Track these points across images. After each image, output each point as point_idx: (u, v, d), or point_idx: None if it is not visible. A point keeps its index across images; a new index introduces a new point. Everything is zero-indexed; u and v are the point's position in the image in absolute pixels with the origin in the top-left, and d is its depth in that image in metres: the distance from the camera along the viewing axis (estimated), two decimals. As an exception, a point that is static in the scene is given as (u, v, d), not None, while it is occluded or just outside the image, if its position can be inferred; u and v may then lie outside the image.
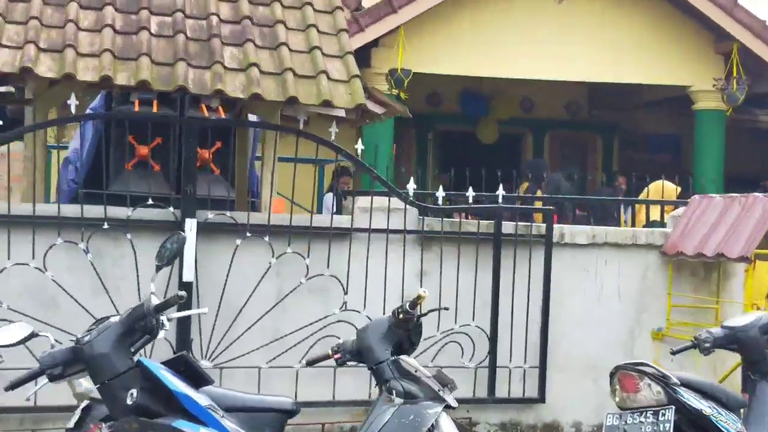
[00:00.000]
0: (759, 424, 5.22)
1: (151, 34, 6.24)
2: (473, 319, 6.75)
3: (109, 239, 6.13)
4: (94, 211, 6.02)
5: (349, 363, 4.79)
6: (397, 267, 6.59)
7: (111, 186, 6.48)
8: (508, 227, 6.89)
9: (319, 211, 9.98)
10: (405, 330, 4.68)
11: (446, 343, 6.73)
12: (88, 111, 7.79)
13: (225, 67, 6.14)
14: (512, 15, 11.73)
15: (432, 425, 4.46)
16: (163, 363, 3.70)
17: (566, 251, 7.11)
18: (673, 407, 4.52)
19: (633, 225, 9.56)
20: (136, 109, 6.91)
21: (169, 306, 3.64)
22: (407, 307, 4.60)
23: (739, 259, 6.53)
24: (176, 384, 3.61)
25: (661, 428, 4.47)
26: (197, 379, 3.78)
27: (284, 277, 6.40)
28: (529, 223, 6.99)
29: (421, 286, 6.64)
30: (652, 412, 4.54)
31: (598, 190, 13.25)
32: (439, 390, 4.58)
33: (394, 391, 4.50)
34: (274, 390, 6.28)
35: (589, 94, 15.12)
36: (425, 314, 4.80)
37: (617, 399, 4.71)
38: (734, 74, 11.61)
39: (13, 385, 3.70)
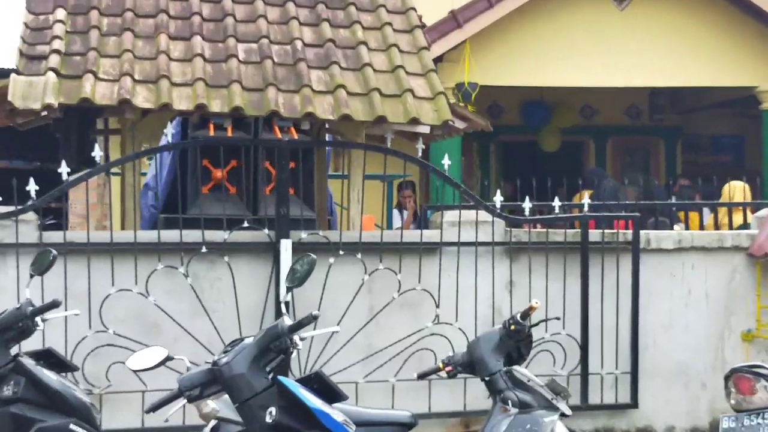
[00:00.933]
0: None
1: (240, 61, 6.39)
2: (563, 328, 6.74)
3: (206, 262, 6.26)
4: (192, 235, 6.15)
5: (460, 375, 4.88)
6: (486, 279, 6.64)
7: (189, 210, 6.56)
8: (594, 235, 6.92)
9: (389, 227, 10.06)
10: (516, 341, 4.74)
11: (538, 352, 6.75)
12: (164, 137, 7.95)
13: (313, 90, 6.27)
14: (573, 24, 11.73)
15: (549, 432, 4.54)
16: (297, 380, 3.81)
17: (653, 257, 7.10)
18: (792, 410, 4.55)
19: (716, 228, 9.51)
20: (211, 133, 7.01)
21: (302, 326, 3.75)
22: (518, 318, 4.66)
23: (831, 259, 6.51)
24: (313, 401, 3.70)
25: (781, 430, 4.50)
26: (331, 395, 3.88)
27: (375, 294, 6.48)
28: (615, 230, 7.02)
29: (510, 300, 6.73)
30: (768, 413, 4.57)
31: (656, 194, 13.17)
32: (552, 399, 4.63)
33: (509, 401, 4.56)
34: (370, 404, 6.39)
35: (650, 99, 15.05)
36: (535, 325, 4.85)
37: (733, 402, 4.73)
38: (804, 74, 11.58)
39: (154, 407, 3.82)
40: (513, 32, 11.50)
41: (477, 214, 6.63)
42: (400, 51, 6.80)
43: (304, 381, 3.83)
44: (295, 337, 3.79)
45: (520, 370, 4.67)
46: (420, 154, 6.52)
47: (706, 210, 10.19)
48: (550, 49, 11.70)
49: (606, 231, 6.95)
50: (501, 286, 6.73)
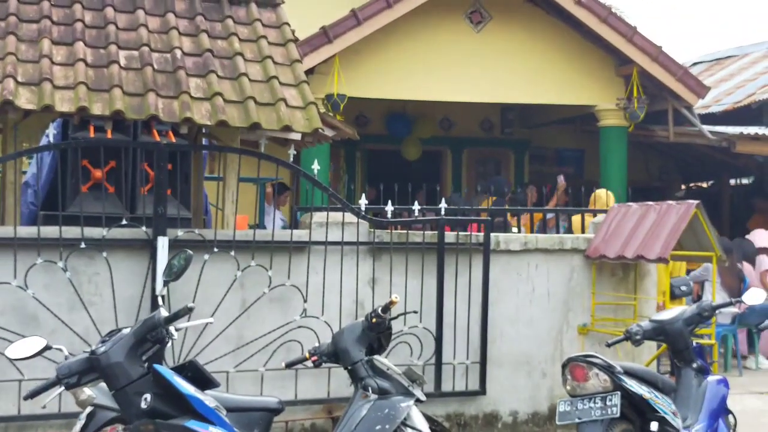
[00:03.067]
0: (684, 405, 5.51)
1: (121, 67, 6.27)
2: (420, 321, 6.89)
3: (85, 258, 6.13)
4: (71, 231, 6.02)
5: (325, 364, 4.93)
6: (351, 276, 6.71)
7: (68, 208, 6.38)
8: (449, 237, 7.06)
9: (262, 225, 10.02)
10: (377, 333, 4.84)
11: (397, 344, 6.85)
12: (44, 138, 7.73)
13: (191, 97, 6.21)
14: (433, 44, 11.93)
15: (405, 417, 4.62)
16: (172, 369, 3.79)
17: (502, 257, 7.30)
18: (619, 393, 4.75)
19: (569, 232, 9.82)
20: (92, 134, 6.84)
21: (178, 317, 3.74)
22: (380, 311, 4.76)
23: (657, 260, 6.81)
24: (187, 388, 3.70)
25: (609, 411, 4.70)
26: (204, 382, 3.87)
27: (247, 289, 6.47)
28: (468, 233, 7.18)
29: (372, 296, 6.80)
30: (600, 397, 4.76)
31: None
32: (408, 386, 4.75)
33: (369, 388, 4.65)
34: (240, 392, 6.37)
35: (501, 114, 15.41)
36: (395, 318, 4.97)
37: (568, 387, 4.93)
38: (635, 94, 12.00)
39: (32, 394, 3.74)
40: (379, 49, 11.61)
41: (343, 215, 6.70)
42: (275, 63, 6.80)
43: (179, 369, 3.82)
44: (171, 328, 3.78)
45: (381, 360, 4.77)
46: (291, 159, 6.53)
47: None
48: (412, 65, 11.86)
49: (460, 233, 7.10)
50: (364, 282, 6.81)
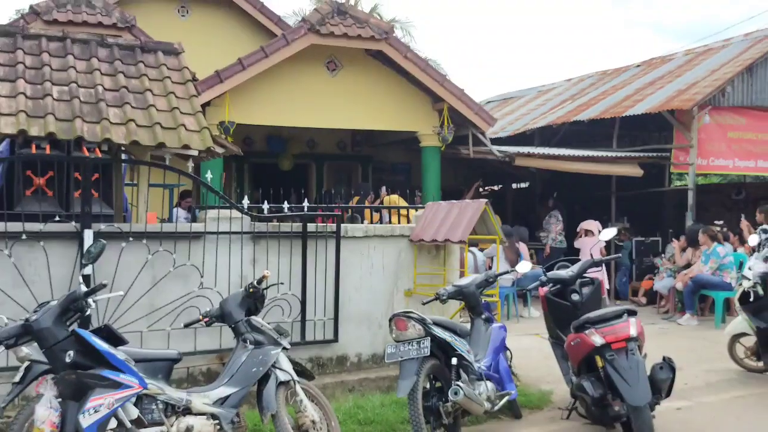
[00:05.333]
0: (476, 345, 5.67)
1: (54, 99, 5.95)
2: (290, 290, 6.83)
3: (26, 246, 5.78)
4: (15, 226, 5.67)
5: (215, 324, 4.82)
6: (236, 257, 6.59)
7: (14, 208, 6.10)
8: (311, 227, 7.03)
9: (170, 221, 9.72)
10: (254, 299, 4.77)
11: (272, 307, 6.78)
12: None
13: (110, 122, 5.95)
14: (301, 83, 11.84)
15: (275, 361, 4.58)
16: (91, 331, 3.62)
17: (350, 242, 7.30)
18: (429, 337, 4.84)
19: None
20: (33, 151, 6.50)
21: (94, 291, 3.58)
22: (255, 283, 4.70)
23: (459, 242, 6.98)
24: (102, 345, 3.55)
25: (422, 351, 4.77)
26: (116, 340, 3.71)
27: (157, 268, 6.26)
28: (324, 224, 7.16)
29: (253, 272, 6.69)
30: (416, 341, 4.83)
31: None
32: (277, 338, 4.70)
33: (247, 341, 4.58)
34: (152, 347, 6.14)
35: (352, 137, 15.46)
36: (267, 287, 4.90)
37: (394, 336, 4.98)
38: (446, 123, 12.26)
39: None
40: (260, 87, 11.43)
41: (231, 212, 6.56)
42: (177, 97, 6.60)
43: (96, 331, 3.66)
44: (89, 300, 3.60)
45: (256, 319, 4.71)
46: (191, 170, 6.33)
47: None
48: (284, 100, 11.75)
49: (319, 224, 7.07)
50: (247, 262, 6.69)
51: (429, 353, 4.73)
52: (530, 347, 8.69)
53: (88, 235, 5.81)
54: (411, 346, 4.78)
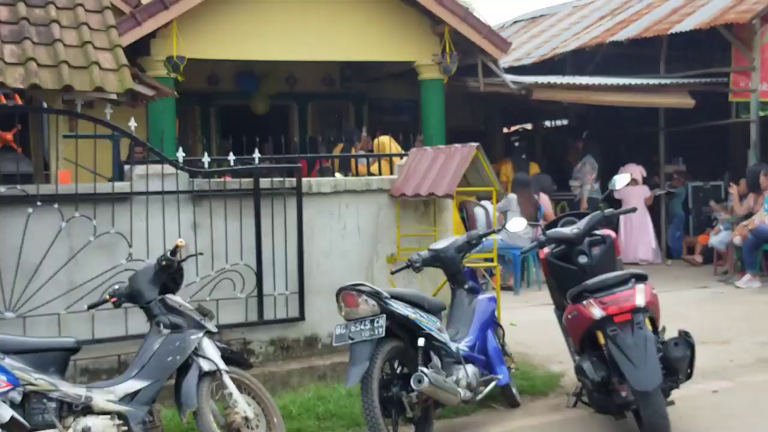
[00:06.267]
0: (457, 321, 5.59)
1: (-67, 36, 5.84)
2: (241, 259, 6.78)
3: None
4: None
5: (125, 304, 4.76)
6: (173, 222, 6.52)
7: None
8: (265, 183, 6.92)
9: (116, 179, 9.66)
10: (169, 273, 4.69)
11: (221, 280, 6.74)
12: None
13: (5, 62, 5.84)
14: (270, 7, 11.58)
15: (196, 347, 4.51)
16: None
17: (315, 199, 7.22)
18: (385, 315, 4.74)
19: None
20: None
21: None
22: (168, 255, 4.62)
23: (445, 196, 6.84)
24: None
25: (376, 332, 4.69)
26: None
27: (75, 237, 6.21)
28: (281, 179, 7.05)
29: (195, 238, 6.63)
30: (369, 320, 4.75)
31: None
32: (200, 320, 4.63)
33: (161, 324, 4.52)
34: (76, 332, 6.13)
35: (341, 70, 15.23)
36: (184, 260, 4.83)
37: (343, 313, 4.90)
38: (447, 51, 11.99)
39: None
40: (220, 12, 11.19)
41: (162, 167, 6.47)
42: (90, 29, 6.47)
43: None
44: None
45: (172, 298, 4.63)
46: (108, 117, 6.22)
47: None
48: (251, 28, 11.49)
49: (274, 179, 6.97)
50: (187, 227, 6.63)
51: (383, 334, 4.64)
52: (545, 320, 8.56)
53: (-19, 201, 5.76)
54: (363, 326, 4.69)
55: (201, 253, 5.36)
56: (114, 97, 6.27)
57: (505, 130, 19.73)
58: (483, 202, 11.61)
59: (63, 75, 5.91)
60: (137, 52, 10.77)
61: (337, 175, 11.32)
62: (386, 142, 10.37)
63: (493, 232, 6.02)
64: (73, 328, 6.12)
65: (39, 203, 6.00)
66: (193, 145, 14.11)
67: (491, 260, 7.24)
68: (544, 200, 10.89)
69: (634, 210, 6.41)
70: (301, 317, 7.05)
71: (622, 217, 14.05)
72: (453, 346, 5.15)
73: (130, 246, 6.33)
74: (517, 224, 6.07)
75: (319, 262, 7.23)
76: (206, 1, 10.74)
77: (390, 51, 12.32)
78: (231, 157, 6.86)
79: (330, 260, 7.29)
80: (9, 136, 7.16)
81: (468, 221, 11.09)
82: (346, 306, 4.84)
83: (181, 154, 6.60)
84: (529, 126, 19.25)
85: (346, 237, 7.36)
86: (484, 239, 5.87)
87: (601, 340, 4.96)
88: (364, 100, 15.82)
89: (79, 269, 6.20)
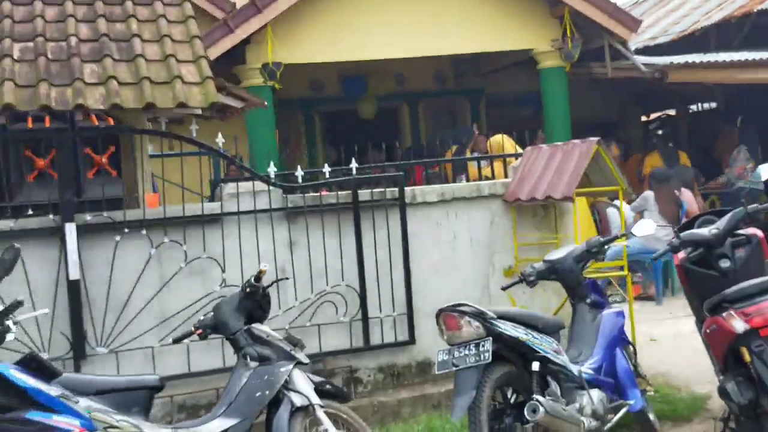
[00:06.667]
0: (579, 341, 5.41)
1: (14, 60, 6.11)
2: (342, 279, 6.81)
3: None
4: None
5: (211, 336, 4.83)
6: (267, 242, 6.61)
7: (17, 198, 6.35)
8: (364, 195, 6.92)
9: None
10: (254, 301, 4.73)
11: (321, 303, 6.78)
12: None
13: (85, 83, 6.04)
14: (367, 3, 11.61)
15: (286, 380, 4.52)
16: (15, 363, 3.67)
17: (420, 209, 7.18)
18: (491, 338, 4.63)
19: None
20: (30, 125, 6.77)
21: (9, 312, 3.61)
22: (252, 281, 4.66)
23: (563, 199, 6.67)
24: (25, 380, 3.59)
25: (482, 357, 4.58)
26: (49, 373, 3.76)
27: (166, 264, 6.38)
28: (382, 189, 7.04)
29: (291, 258, 6.69)
30: (474, 344, 4.64)
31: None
32: (290, 350, 4.65)
33: (248, 356, 4.56)
34: (171, 365, 6.30)
35: (453, 65, 15.16)
36: (269, 285, 4.86)
37: (445, 337, 4.81)
38: (568, 34, 11.72)
39: None
40: (315, 14, 11.31)
41: (253, 184, 6.57)
42: (173, 41, 6.62)
43: (21, 362, 3.70)
44: (8, 322, 3.65)
45: (259, 327, 4.67)
46: (194, 134, 6.38)
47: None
48: (351, 27, 11.56)
49: (374, 190, 6.96)
50: (282, 246, 6.71)
51: (490, 359, 4.52)
52: (691, 333, 8.21)
53: (70, 230, 5.98)
54: (468, 351, 4.59)
55: (287, 278, 5.40)
56: (198, 111, 6.40)
57: (644, 118, 19.16)
58: (616, 202, 11.28)
59: (145, 92, 6.07)
60: (233, 60, 11.03)
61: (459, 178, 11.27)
62: (500, 142, 10.21)
63: (616, 237, 5.79)
64: (168, 361, 6.29)
65: (126, 230, 6.19)
66: (297, 157, 14.36)
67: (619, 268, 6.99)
68: (687, 196, 10.44)
69: (776, 206, 6.04)
70: (411, 341, 7.01)
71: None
72: (574, 369, 4.97)
73: (224, 271, 6.45)
74: (645, 227, 5.82)
75: (427, 279, 7.18)
76: (301, 2, 10.87)
77: (504, 40, 12.16)
78: (326, 168, 6.89)
79: (440, 276, 7.22)
80: (104, 158, 7.41)
81: (601, 224, 10.80)
82: (447, 329, 4.75)
83: (272, 169, 6.68)
84: (672, 112, 18.59)
85: (457, 249, 7.28)
86: (606, 246, 5.66)
87: (747, 356, 4.68)
88: (481, 95, 15.69)
89: (171, 298, 6.37)
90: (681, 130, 17.04)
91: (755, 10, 13.51)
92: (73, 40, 6.36)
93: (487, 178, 9.15)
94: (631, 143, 15.83)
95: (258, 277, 4.66)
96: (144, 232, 6.24)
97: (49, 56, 6.21)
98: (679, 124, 17.36)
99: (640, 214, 10.50)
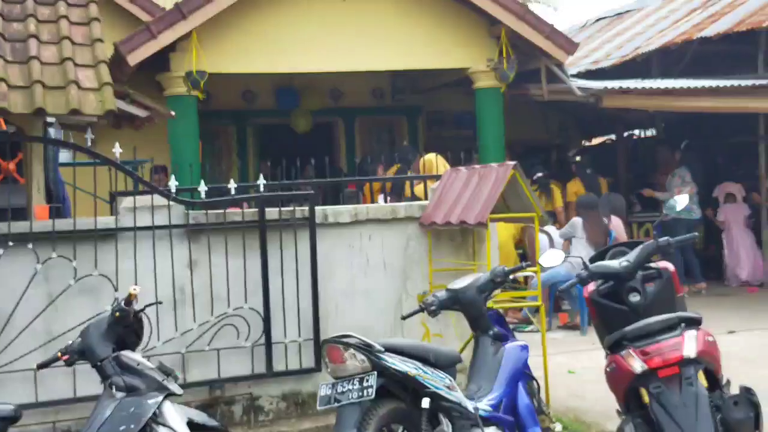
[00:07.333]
0: (478, 375, 5.23)
1: None
2: (246, 302, 6.58)
3: None
4: None
5: (78, 362, 4.55)
6: (166, 260, 6.34)
7: None
8: (271, 213, 6.69)
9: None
10: (125, 326, 4.47)
11: (222, 327, 6.52)
12: None
13: (-29, 85, 5.75)
14: (301, 15, 11.31)
15: (155, 413, 4.26)
16: None
17: (332, 230, 6.98)
18: (376, 372, 4.42)
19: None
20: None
21: None
22: (122, 304, 4.40)
23: (477, 225, 6.49)
24: None
25: (365, 393, 4.37)
26: None
27: (54, 281, 6.08)
28: (292, 208, 6.80)
29: (191, 279, 6.43)
30: (358, 378, 4.44)
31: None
32: (163, 380, 4.38)
33: (113, 386, 4.29)
34: (57, 389, 5.99)
35: (391, 81, 14.97)
36: (142, 310, 4.60)
37: (329, 370, 4.59)
38: (504, 55, 11.58)
39: None
40: (248, 21, 11.01)
41: (152, 198, 6.31)
42: (74, 43, 6.37)
43: None
44: None
45: (128, 355, 4.40)
46: (89, 143, 6.09)
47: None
48: (281, 37, 11.25)
49: (283, 209, 6.73)
50: (182, 266, 6.45)
51: (373, 395, 4.31)
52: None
53: (-53, 241, 5.67)
54: (351, 386, 4.37)
55: (161, 302, 5.15)
56: (94, 119, 6.13)
57: (586, 143, 19.20)
58: (546, 228, 11.17)
59: (36, 97, 5.81)
60: (157, 67, 10.71)
61: (379, 199, 11.05)
62: (433, 161, 10.01)
63: (522, 268, 5.62)
64: (53, 384, 5.99)
65: (11, 243, 5.88)
66: (228, 169, 14.06)
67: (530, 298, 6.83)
68: (616, 224, 10.36)
69: (694, 237, 5.92)
70: (318, 368, 6.76)
71: (724, 238, 13.54)
72: (470, 405, 4.77)
73: (116, 290, 6.15)
74: (552, 258, 5.66)
75: (338, 303, 6.98)
76: (231, 8, 10.57)
77: (441, 58, 11.96)
78: (232, 184, 6.64)
79: (351, 301, 7.02)
80: (12, 165, 7.09)
81: (528, 250, 10.67)
82: (331, 361, 4.53)
83: (174, 183, 6.43)
84: (609, 138, 18.66)
85: (370, 273, 7.09)
86: (511, 276, 5.48)
87: (646, 398, 4.53)
88: (419, 113, 15.52)
89: (58, 317, 6.07)
90: (620, 156, 17.06)
91: (695, 38, 13.55)
92: (-37, 39, 6.07)
93: (417, 199, 8.96)
94: (566, 168, 15.79)
95: (128, 301, 4.40)
96: (30, 246, 5.93)
97: (-65, 55, 5.90)
98: (619, 150, 17.37)
99: (568, 241, 10.41)
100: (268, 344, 6.63)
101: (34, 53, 6.14)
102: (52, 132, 8.50)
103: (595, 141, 19.49)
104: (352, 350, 4.47)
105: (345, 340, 4.54)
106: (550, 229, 10.94)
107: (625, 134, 17.75)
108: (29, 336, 5.96)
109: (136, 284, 6.08)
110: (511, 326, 9.40)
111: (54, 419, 6.03)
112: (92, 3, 6.80)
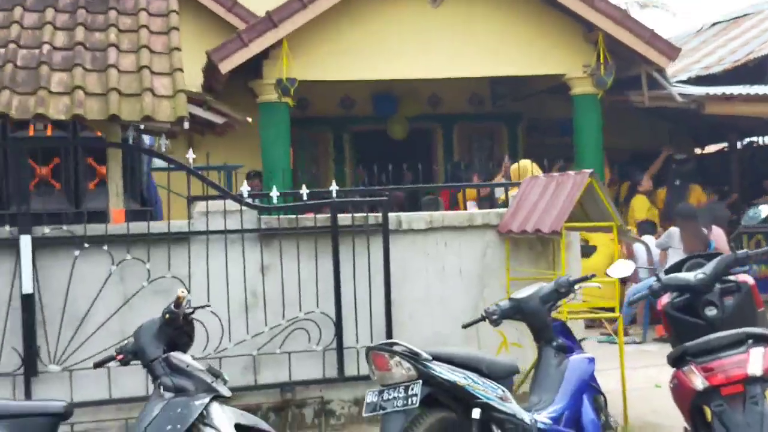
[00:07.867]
0: (540, 387, 5.10)
1: (-19, 65, 6.08)
2: (317, 306, 6.61)
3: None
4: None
5: (133, 362, 4.64)
6: (238, 264, 6.44)
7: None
8: (344, 219, 6.72)
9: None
10: (176, 328, 4.54)
11: (293, 330, 6.57)
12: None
13: (50, 92, 5.99)
14: (390, 22, 11.30)
15: (203, 414, 4.30)
16: None
17: (407, 237, 6.98)
18: (421, 381, 4.36)
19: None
20: (31, 133, 6.73)
21: None
22: (172, 307, 4.47)
23: (551, 233, 6.34)
24: None
25: (410, 401, 4.31)
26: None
27: (128, 282, 6.25)
28: (365, 214, 6.81)
29: (263, 283, 6.50)
30: (403, 386, 4.39)
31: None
32: (211, 382, 4.42)
33: (162, 387, 4.36)
34: (126, 387, 6.14)
35: (490, 88, 14.84)
36: (191, 312, 4.66)
37: (375, 377, 4.56)
38: (601, 59, 11.34)
39: None
40: (339, 29, 11.11)
41: (225, 204, 6.41)
42: (152, 51, 6.54)
43: None
44: None
45: (178, 357, 4.47)
46: (164, 149, 6.26)
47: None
48: (375, 45, 11.30)
49: (356, 215, 6.74)
50: (254, 270, 6.56)
51: (416, 404, 4.25)
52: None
53: (25, 243, 5.88)
54: (397, 394, 4.32)
55: (209, 305, 5.21)
56: (167, 126, 6.28)
57: (699, 150, 18.58)
58: (645, 237, 10.87)
59: (111, 104, 5.99)
60: (252, 74, 10.92)
61: (470, 205, 10.96)
62: (528, 167, 9.86)
63: (586, 278, 5.44)
64: (125, 382, 6.14)
65: (86, 245, 6.07)
66: (324, 176, 14.17)
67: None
68: (717, 234, 9.96)
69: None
70: (390, 374, 6.72)
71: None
72: (526, 417, 4.65)
73: (188, 292, 6.22)
74: (622, 268, 5.47)
75: (412, 310, 6.95)
76: (321, 16, 10.70)
77: (536, 64, 11.81)
78: (304, 189, 6.69)
79: (426, 307, 6.99)
80: (46, 170, 7.21)
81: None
82: (377, 369, 4.49)
83: (245, 188, 6.51)
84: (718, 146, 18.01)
85: (445, 280, 7.03)
86: (576, 286, 5.32)
87: (709, 416, 4.33)
88: (519, 120, 15.33)
89: (133, 317, 6.21)
90: (734, 165, 16.45)
91: (810, 40, 12.97)
92: (45, 48, 6.33)
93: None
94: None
95: (177, 303, 4.47)
96: (105, 247, 6.11)
97: (18, 63, 6.18)
98: (733, 159, 16.75)
99: (665, 251, 10.08)
100: (340, 349, 6.65)
101: (113, 62, 6.34)
102: (147, 139, 8.78)
103: (710, 149, 18.84)
104: (397, 358, 4.42)
105: (391, 346, 4.50)
106: (649, 238, 10.63)
107: (746, 141, 17.14)
108: (105, 334, 6.13)
109: (208, 287, 6.28)
110: (603, 338, 9.30)
111: (127, 416, 6.17)
112: (173, 12, 6.97)
